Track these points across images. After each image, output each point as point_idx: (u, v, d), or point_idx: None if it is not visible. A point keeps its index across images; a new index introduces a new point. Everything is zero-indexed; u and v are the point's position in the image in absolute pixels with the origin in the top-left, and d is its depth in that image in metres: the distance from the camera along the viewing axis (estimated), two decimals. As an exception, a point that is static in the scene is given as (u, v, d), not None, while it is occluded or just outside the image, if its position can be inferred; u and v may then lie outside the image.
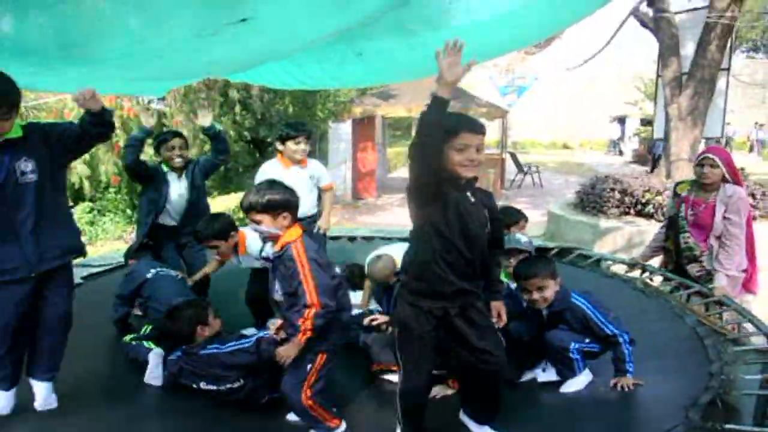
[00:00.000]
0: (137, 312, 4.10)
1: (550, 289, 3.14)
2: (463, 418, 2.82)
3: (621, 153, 31.48)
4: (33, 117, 10.65)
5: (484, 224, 2.55)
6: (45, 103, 10.47)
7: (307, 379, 2.66)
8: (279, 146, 4.38)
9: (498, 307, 2.74)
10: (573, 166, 25.31)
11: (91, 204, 10.96)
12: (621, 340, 3.10)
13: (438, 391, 3.09)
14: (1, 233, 2.70)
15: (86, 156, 10.44)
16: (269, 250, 2.84)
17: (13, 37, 2.68)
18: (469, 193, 2.51)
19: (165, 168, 4.34)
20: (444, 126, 2.34)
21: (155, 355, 3.33)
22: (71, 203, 11.20)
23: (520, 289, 3.28)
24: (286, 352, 2.63)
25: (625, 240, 8.69)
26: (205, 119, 4.41)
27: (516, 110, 23.45)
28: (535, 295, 3.15)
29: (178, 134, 4.52)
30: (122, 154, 4.47)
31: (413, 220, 2.54)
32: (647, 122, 26.36)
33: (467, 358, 2.58)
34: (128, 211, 11.23)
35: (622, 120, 33.02)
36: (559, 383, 3.25)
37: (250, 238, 3.66)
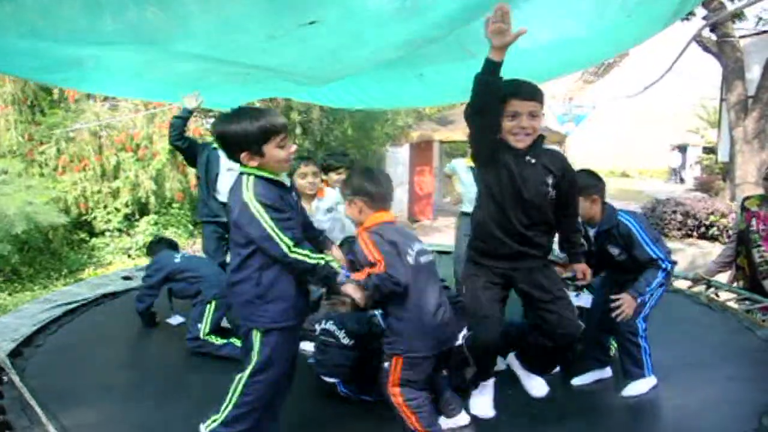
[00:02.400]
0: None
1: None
2: (512, 362, 2.81)
3: (682, 181, 30.73)
4: (106, 137, 11.18)
5: (543, 189, 2.47)
6: (119, 121, 10.96)
7: (389, 378, 2.49)
8: (322, 175, 4.25)
9: (580, 268, 2.71)
10: (632, 194, 24.72)
11: (156, 217, 11.36)
12: (663, 265, 2.91)
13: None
14: None
15: (153, 172, 10.88)
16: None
17: (92, 32, 2.86)
18: (529, 156, 2.44)
19: (215, 145, 4.48)
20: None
21: None
22: (137, 216, 11.74)
23: None
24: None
25: (687, 262, 8.50)
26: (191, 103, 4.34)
27: (574, 138, 23.13)
28: None
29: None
30: (168, 133, 4.63)
31: (478, 183, 2.57)
32: (710, 150, 25.67)
33: (539, 320, 2.58)
34: (190, 226, 11.60)
35: (683, 148, 32.26)
36: (612, 380, 3.22)
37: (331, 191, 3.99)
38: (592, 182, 3.03)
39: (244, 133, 2.24)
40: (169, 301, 4.24)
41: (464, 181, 4.75)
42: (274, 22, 2.96)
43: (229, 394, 2.38)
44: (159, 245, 4.43)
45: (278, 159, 2.30)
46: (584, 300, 3.24)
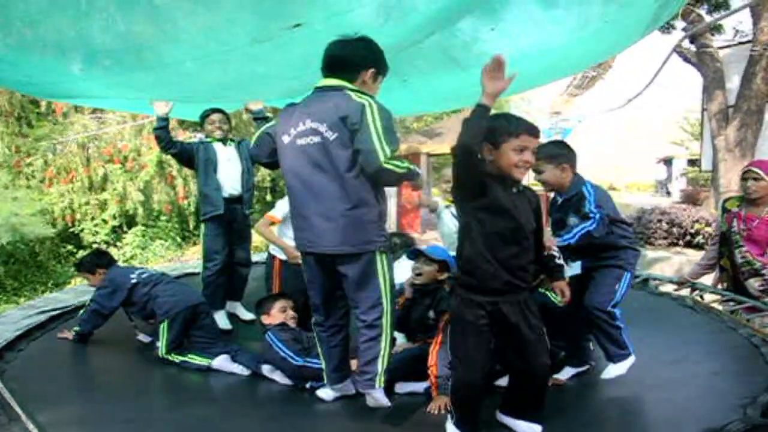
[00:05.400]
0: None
1: (548, 173, 3.18)
2: (500, 416, 2.74)
3: (668, 193, 31.02)
4: (94, 149, 11.17)
5: (531, 218, 2.57)
6: (106, 133, 10.96)
7: None
8: None
9: (559, 285, 2.82)
10: (620, 207, 24.67)
11: (143, 229, 11.33)
12: (591, 216, 3.00)
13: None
14: None
15: (140, 184, 10.87)
16: None
17: (86, 42, 2.88)
18: (514, 189, 2.54)
19: (209, 139, 4.53)
20: (504, 127, 2.45)
21: (223, 360, 3.56)
22: (124, 229, 11.67)
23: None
24: None
25: (673, 270, 8.57)
26: (256, 105, 4.47)
27: (560, 151, 23.19)
28: (539, 176, 3.25)
29: (218, 110, 4.67)
30: (158, 145, 4.68)
31: (459, 217, 2.60)
32: (694, 162, 25.95)
33: (513, 355, 2.59)
34: (177, 239, 11.56)
35: (668, 161, 32.61)
36: (595, 378, 3.21)
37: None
38: (562, 152, 3.22)
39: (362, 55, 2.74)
40: (130, 320, 4.08)
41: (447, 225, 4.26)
42: (259, 25, 3.00)
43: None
44: (104, 258, 4.13)
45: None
46: (576, 269, 3.26)
